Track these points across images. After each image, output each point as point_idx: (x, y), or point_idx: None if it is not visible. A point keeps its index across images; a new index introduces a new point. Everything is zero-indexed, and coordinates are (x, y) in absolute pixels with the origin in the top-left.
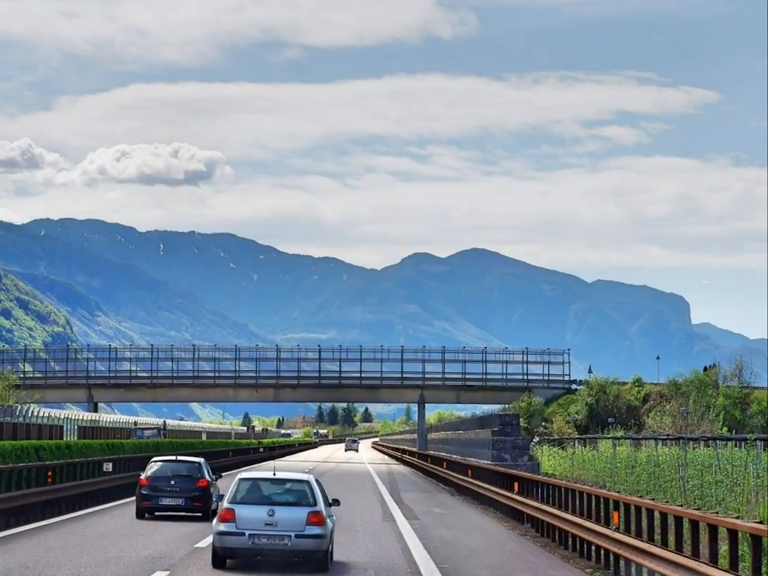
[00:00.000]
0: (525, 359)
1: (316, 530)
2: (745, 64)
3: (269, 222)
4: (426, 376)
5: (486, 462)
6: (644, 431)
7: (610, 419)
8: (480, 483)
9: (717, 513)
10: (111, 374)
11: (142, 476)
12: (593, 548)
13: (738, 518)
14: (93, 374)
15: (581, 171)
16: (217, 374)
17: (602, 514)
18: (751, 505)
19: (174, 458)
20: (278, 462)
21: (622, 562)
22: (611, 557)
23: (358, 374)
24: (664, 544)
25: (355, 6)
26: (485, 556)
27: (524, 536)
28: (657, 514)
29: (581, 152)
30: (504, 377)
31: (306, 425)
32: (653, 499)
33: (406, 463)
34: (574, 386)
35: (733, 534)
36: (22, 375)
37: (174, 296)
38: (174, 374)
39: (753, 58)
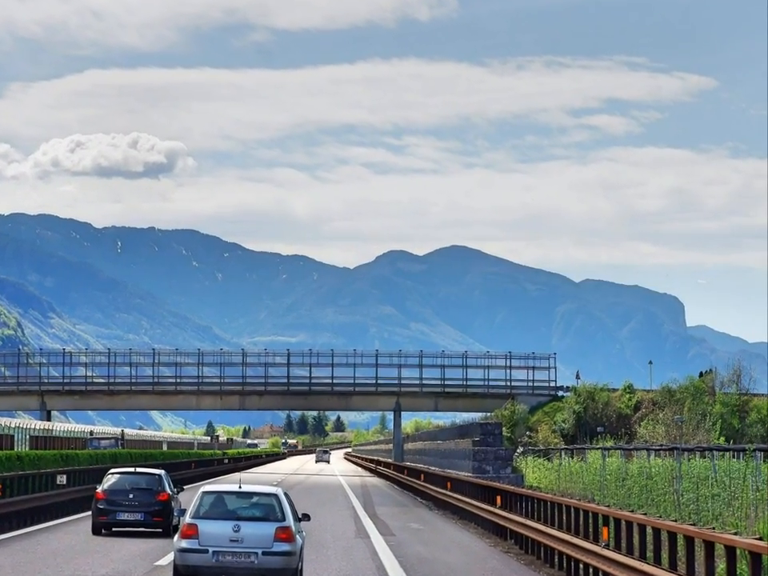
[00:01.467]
0: (508, 364)
1: (285, 547)
2: (743, 48)
3: (234, 218)
4: (403, 382)
5: (466, 474)
6: (635, 441)
7: (599, 428)
8: (460, 497)
9: (713, 528)
10: (65, 380)
11: (99, 489)
12: (581, 566)
13: (736, 533)
14: (46, 380)
15: (568, 163)
16: (178, 380)
17: (590, 530)
18: (750, 520)
19: (132, 469)
20: (243, 474)
21: None
22: (600, 575)
23: (330, 380)
24: (657, 562)
25: None
26: (465, 575)
27: (507, 553)
28: (649, 530)
29: (568, 143)
30: (486, 383)
31: (274, 434)
32: (645, 514)
33: (380, 475)
34: (560, 393)
35: (731, 551)
36: None
37: (133, 296)
38: (133, 380)
39: (752, 42)
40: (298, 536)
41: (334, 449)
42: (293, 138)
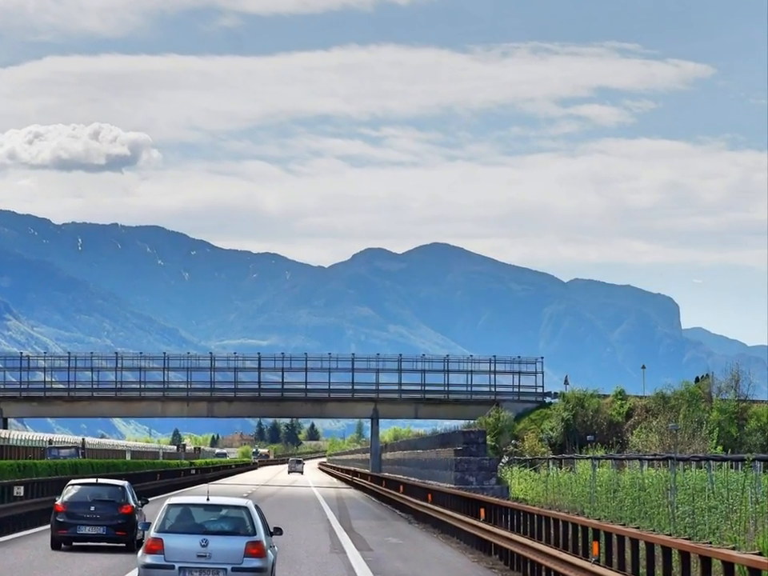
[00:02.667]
0: (492, 369)
1: (255, 563)
2: (742, 33)
3: (202, 214)
4: (380, 388)
5: (448, 485)
6: (627, 450)
7: (588, 437)
8: (441, 509)
9: (710, 543)
10: (23, 386)
11: (58, 501)
12: None
13: (734, 548)
14: (2, 386)
15: (556, 156)
16: (143, 386)
17: (579, 545)
18: (749, 534)
19: (93, 480)
20: (211, 486)
21: None
22: None
23: (303, 386)
24: None
25: None
26: None
27: (491, 569)
28: (642, 545)
29: (556, 134)
30: (469, 389)
31: (244, 443)
32: (637, 527)
33: (357, 486)
34: (548, 399)
35: (728, 566)
36: None
37: (95, 297)
38: (94, 386)
39: (751, 27)
40: (269, 551)
41: (307, 458)
42: (264, 129)
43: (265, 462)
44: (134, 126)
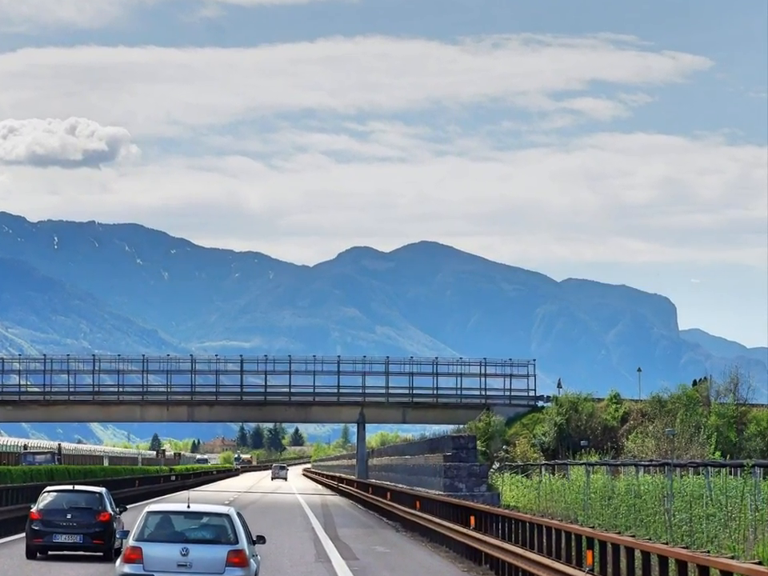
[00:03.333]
0: (483, 372)
1: (237, 572)
2: (741, 25)
3: (182, 211)
4: (367, 392)
5: (437, 492)
6: (623, 456)
7: (582, 442)
8: (430, 517)
9: (708, 552)
10: None
11: (33, 509)
12: None
13: (733, 557)
14: None
15: (549, 151)
16: (121, 389)
17: (573, 554)
18: (748, 542)
19: (70, 487)
20: (192, 493)
21: None
22: None
23: (287, 390)
24: None
25: None
26: None
27: None
28: (638, 554)
29: (549, 128)
30: (458, 392)
31: (226, 449)
32: (633, 536)
33: (342, 493)
34: (540, 403)
35: None
36: None
37: (71, 297)
38: (71, 390)
39: (751, 18)
40: (252, 560)
41: (291, 464)
42: (246, 124)
43: (247, 468)
44: (112, 121)
